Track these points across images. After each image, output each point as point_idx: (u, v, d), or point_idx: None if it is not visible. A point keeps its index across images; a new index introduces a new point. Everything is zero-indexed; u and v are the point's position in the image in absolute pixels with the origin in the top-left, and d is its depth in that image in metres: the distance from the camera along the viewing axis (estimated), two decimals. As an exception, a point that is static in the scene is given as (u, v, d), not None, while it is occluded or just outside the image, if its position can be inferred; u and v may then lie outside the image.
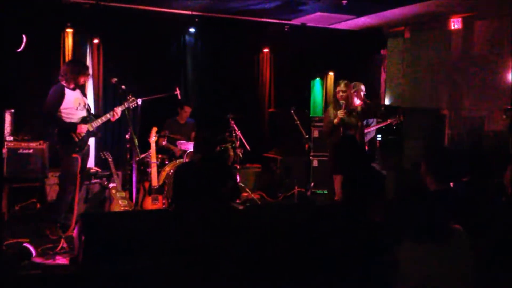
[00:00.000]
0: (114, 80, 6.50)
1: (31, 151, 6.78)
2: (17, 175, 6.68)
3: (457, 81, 9.08)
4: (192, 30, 9.07)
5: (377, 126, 7.17)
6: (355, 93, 7.17)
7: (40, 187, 7.01)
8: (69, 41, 8.06)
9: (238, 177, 7.71)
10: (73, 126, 6.09)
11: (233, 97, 9.40)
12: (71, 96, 6.15)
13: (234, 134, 7.99)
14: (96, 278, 3.98)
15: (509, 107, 7.63)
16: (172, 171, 7.12)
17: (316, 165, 8.58)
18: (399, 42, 10.15)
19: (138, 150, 6.49)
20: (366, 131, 7.05)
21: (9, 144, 6.68)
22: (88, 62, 8.36)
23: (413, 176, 6.99)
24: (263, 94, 9.91)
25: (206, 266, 3.13)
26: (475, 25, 8.72)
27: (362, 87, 7.31)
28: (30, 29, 7.17)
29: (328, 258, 3.15)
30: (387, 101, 10.31)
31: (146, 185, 6.78)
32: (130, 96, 6.42)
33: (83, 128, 6.13)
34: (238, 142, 8.01)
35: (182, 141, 7.59)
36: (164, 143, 7.61)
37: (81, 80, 6.28)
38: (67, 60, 7.88)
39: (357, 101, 7.26)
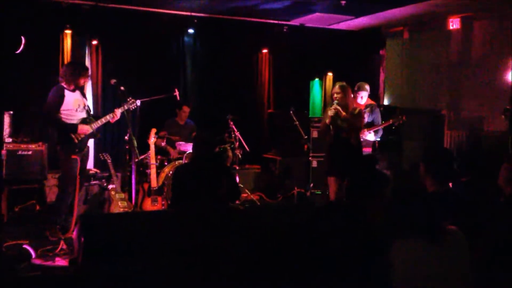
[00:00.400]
0: (113, 81, 6.49)
1: (30, 152, 6.78)
2: (16, 176, 6.68)
3: (456, 81, 9.08)
4: (191, 31, 9.06)
5: (379, 127, 7.16)
6: (358, 94, 7.16)
7: (39, 189, 7.01)
8: (68, 42, 8.06)
9: (237, 178, 7.71)
10: (74, 127, 6.09)
11: (232, 98, 9.40)
12: (71, 97, 6.15)
13: (233, 135, 8.00)
14: (96, 279, 3.98)
15: (508, 107, 7.63)
16: (171, 172, 7.12)
17: (315, 165, 8.58)
18: (398, 43, 10.16)
19: (137, 151, 6.48)
20: (371, 131, 7.02)
21: (8, 145, 6.69)
22: (87, 63, 8.36)
23: (412, 177, 7.00)
24: (262, 95, 9.92)
25: (206, 267, 3.13)
26: (473, 25, 8.72)
27: (367, 86, 7.29)
28: (29, 30, 7.17)
29: (328, 259, 3.15)
30: (386, 102, 10.31)
31: (146, 186, 6.78)
32: (130, 98, 6.43)
33: (84, 129, 6.14)
34: (237, 143, 8.01)
35: (181, 142, 7.60)
36: (163, 144, 7.61)
37: (81, 81, 6.29)
38: (66, 61, 7.88)
39: (362, 102, 7.24)
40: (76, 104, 6.18)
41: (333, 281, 3.10)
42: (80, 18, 7.96)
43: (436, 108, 9.27)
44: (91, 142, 8.23)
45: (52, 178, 7.14)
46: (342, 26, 9.76)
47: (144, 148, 7.01)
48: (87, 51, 8.39)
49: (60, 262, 5.08)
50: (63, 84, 6.15)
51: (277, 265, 3.46)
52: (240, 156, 8.06)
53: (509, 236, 3.18)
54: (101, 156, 7.08)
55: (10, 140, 6.78)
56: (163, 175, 7.16)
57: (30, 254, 5.20)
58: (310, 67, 10.19)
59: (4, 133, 6.79)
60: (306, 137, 8.22)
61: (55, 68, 7.76)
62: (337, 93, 6.07)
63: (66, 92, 6.13)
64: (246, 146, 8.14)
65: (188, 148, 7.34)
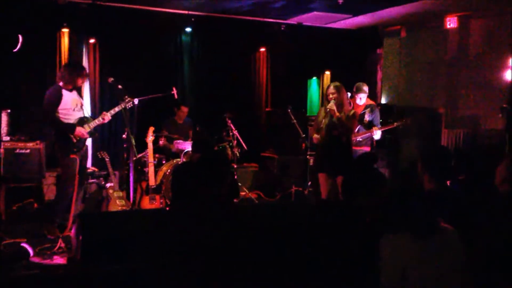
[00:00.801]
0: (111, 79, 6.49)
1: (28, 151, 6.77)
2: (14, 175, 6.68)
3: (453, 80, 9.10)
4: (188, 29, 9.07)
5: (383, 129, 7.18)
6: (357, 96, 7.17)
7: (37, 187, 7.01)
8: (65, 41, 8.05)
9: (235, 177, 7.72)
10: (72, 127, 6.08)
11: (230, 97, 9.40)
12: (68, 97, 6.14)
13: (231, 134, 8.00)
14: (94, 278, 3.98)
15: (505, 105, 7.65)
16: (169, 170, 7.13)
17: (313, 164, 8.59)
18: (395, 41, 10.16)
19: (135, 149, 6.49)
20: (377, 131, 7.03)
21: (6, 144, 6.68)
22: (85, 62, 8.36)
23: (409, 175, 7.02)
24: (259, 94, 9.92)
25: (204, 265, 3.14)
26: (470, 24, 8.74)
27: (365, 88, 7.29)
28: (26, 29, 7.19)
29: (325, 257, 3.16)
30: (383, 100, 10.32)
31: (144, 184, 6.79)
32: (126, 97, 6.41)
33: (82, 132, 6.11)
34: (235, 142, 8.02)
35: (179, 141, 7.60)
36: (161, 142, 7.62)
37: (79, 81, 6.30)
38: (63, 60, 7.88)
39: (361, 102, 7.24)
40: (73, 104, 6.18)
41: (331, 279, 3.11)
42: (77, 17, 7.95)
43: (434, 106, 9.29)
44: (89, 141, 8.25)
45: (50, 176, 7.13)
46: (340, 25, 9.77)
47: (142, 146, 7.01)
48: (84, 50, 8.38)
49: (58, 260, 5.09)
50: (61, 84, 6.14)
51: (275, 263, 3.47)
52: (238, 155, 8.07)
53: (506, 234, 3.19)
54: (99, 155, 7.08)
55: (8, 138, 6.78)
56: (161, 173, 7.16)
57: (28, 253, 5.20)
58: (308, 66, 10.20)
59: (2, 132, 6.80)
60: (303, 135, 8.23)
61: (53, 67, 7.78)
62: (332, 93, 6.08)
63: (64, 92, 6.12)
64: (244, 145, 8.15)
65: (186, 146, 7.35)
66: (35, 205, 6.86)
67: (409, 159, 8.43)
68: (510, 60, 8.09)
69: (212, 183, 3.38)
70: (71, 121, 6.12)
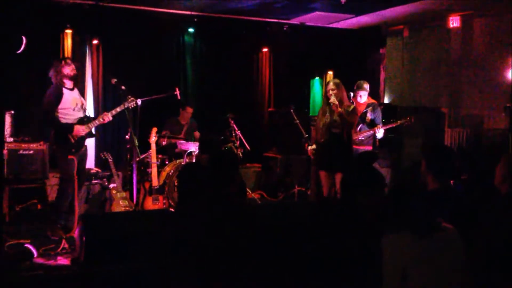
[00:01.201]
0: (114, 80, 6.49)
1: (31, 152, 6.78)
2: (17, 176, 6.69)
3: (456, 79, 9.09)
4: (191, 30, 9.08)
5: (386, 127, 7.17)
6: (357, 94, 7.16)
7: (41, 188, 7.01)
8: (68, 42, 8.07)
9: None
10: (70, 127, 6.06)
11: (233, 97, 9.41)
12: (69, 96, 6.12)
13: (233, 134, 8.00)
14: (98, 278, 4.00)
15: (508, 105, 7.63)
16: (172, 171, 7.14)
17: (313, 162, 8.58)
18: (398, 41, 10.16)
19: (138, 150, 6.49)
20: (380, 129, 7.02)
21: (10, 145, 6.69)
22: (88, 62, 8.39)
23: (412, 174, 7.01)
24: (262, 94, 9.93)
25: (207, 265, 3.14)
26: (474, 23, 8.72)
27: (366, 85, 7.28)
28: (30, 30, 7.18)
29: (327, 257, 3.16)
30: (386, 100, 10.31)
31: (147, 185, 6.79)
32: (129, 96, 6.41)
33: (80, 130, 6.10)
34: (238, 142, 8.02)
35: (182, 142, 7.60)
36: (164, 143, 7.62)
37: (66, 71, 6.13)
38: (66, 61, 7.89)
39: (362, 100, 7.23)
40: (74, 103, 6.16)
41: (332, 279, 3.11)
42: (80, 18, 7.96)
43: (437, 106, 9.27)
44: (91, 142, 8.26)
45: (53, 177, 7.13)
46: (342, 24, 9.76)
47: (145, 147, 7.01)
48: (87, 51, 8.40)
49: (62, 261, 5.09)
50: (58, 83, 6.10)
51: (278, 263, 3.48)
52: (240, 155, 8.07)
53: (507, 234, 3.18)
54: (102, 156, 7.09)
55: (12, 139, 6.78)
56: (164, 174, 7.17)
57: (32, 253, 5.20)
58: (311, 66, 10.21)
59: (6, 133, 6.79)
60: (306, 135, 8.20)
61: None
62: (332, 89, 6.11)
63: (64, 91, 6.10)
64: (246, 145, 8.15)
65: (189, 147, 7.35)
66: (39, 206, 6.86)
67: (411, 158, 8.41)
68: (513, 60, 8.08)
69: (222, 183, 3.38)
70: (71, 121, 6.10)
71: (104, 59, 8.43)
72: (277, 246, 3.55)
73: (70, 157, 6.02)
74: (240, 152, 8.02)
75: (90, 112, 8.07)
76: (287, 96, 9.53)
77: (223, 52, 9.37)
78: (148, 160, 7.12)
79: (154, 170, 6.78)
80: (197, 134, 8.24)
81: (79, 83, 6.54)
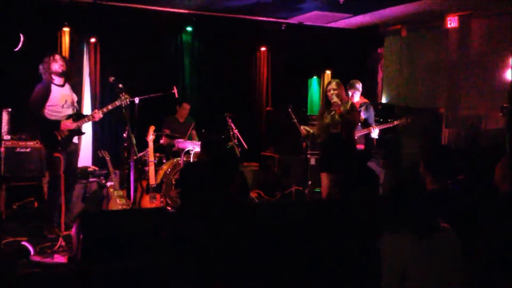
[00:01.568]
0: (112, 79, 6.46)
1: (28, 150, 6.77)
2: (14, 174, 6.68)
3: (454, 79, 9.10)
4: (189, 28, 9.07)
5: (383, 127, 7.17)
6: (349, 93, 7.16)
7: (38, 186, 6.99)
8: (66, 40, 8.05)
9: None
10: (56, 124, 5.95)
11: (230, 96, 9.41)
12: (57, 93, 6.03)
13: (231, 133, 8.00)
14: (95, 276, 3.99)
15: (506, 105, 7.64)
16: (169, 169, 7.14)
17: (314, 163, 8.57)
18: (396, 41, 10.17)
19: (135, 148, 6.48)
20: (375, 129, 7.02)
21: (7, 143, 6.68)
22: (85, 61, 8.37)
23: (410, 174, 7.01)
24: (260, 93, 9.92)
25: (204, 264, 3.14)
26: (471, 24, 8.73)
27: (358, 85, 7.29)
28: (27, 28, 7.17)
29: (326, 256, 3.17)
30: (384, 100, 10.32)
31: (144, 183, 6.79)
32: (123, 94, 6.33)
33: (68, 124, 5.99)
34: (236, 141, 8.02)
35: (179, 140, 7.60)
36: (161, 141, 7.62)
37: (54, 67, 6.03)
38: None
39: (354, 100, 7.24)
40: (63, 100, 6.05)
41: (331, 278, 3.11)
42: (78, 16, 7.96)
43: (434, 106, 9.28)
44: (88, 140, 8.27)
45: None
46: (341, 24, 9.77)
47: (143, 145, 7.01)
48: (85, 49, 8.39)
49: (59, 259, 5.07)
50: (47, 79, 6.01)
51: (275, 262, 3.47)
52: (238, 154, 8.06)
53: (506, 234, 3.19)
54: (99, 154, 7.07)
55: (9, 137, 6.77)
56: (161, 172, 7.16)
57: (28, 251, 5.19)
58: (309, 65, 10.21)
59: (3, 131, 6.79)
60: (305, 133, 8.22)
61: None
62: (334, 89, 6.06)
63: (53, 87, 6.01)
64: (244, 144, 8.14)
65: (187, 145, 7.34)
66: (36, 203, 6.86)
67: (410, 158, 8.42)
68: (510, 60, 8.08)
69: (222, 183, 3.38)
70: (59, 118, 6.00)
71: (101, 58, 8.41)
72: (275, 245, 3.55)
73: (56, 154, 5.90)
74: (237, 151, 8.02)
75: (88, 110, 8.09)
76: (285, 95, 9.53)
77: (221, 51, 9.37)
78: (145, 158, 7.12)
79: (151, 169, 6.78)
80: (194, 133, 8.23)
81: (72, 79, 6.41)
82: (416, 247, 2.78)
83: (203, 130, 8.05)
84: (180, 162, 7.19)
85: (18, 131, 6.97)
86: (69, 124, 6.01)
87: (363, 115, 7.12)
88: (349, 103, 6.14)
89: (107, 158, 6.91)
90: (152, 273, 3.70)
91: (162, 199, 6.74)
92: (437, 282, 2.77)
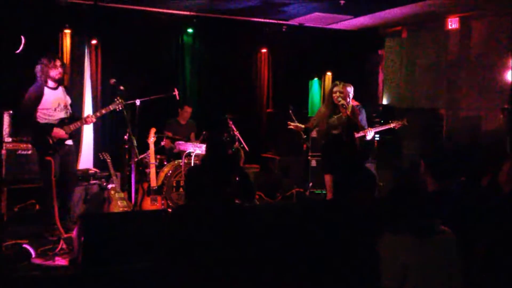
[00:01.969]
0: (113, 81, 6.46)
1: (29, 152, 6.76)
2: (16, 176, 6.67)
3: (454, 80, 9.10)
4: (190, 30, 9.08)
5: (380, 129, 7.16)
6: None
7: (39, 188, 6.99)
8: (67, 42, 8.07)
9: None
10: (49, 128, 5.92)
11: (231, 97, 9.41)
12: (50, 96, 6.00)
13: (232, 135, 8.00)
14: (96, 279, 4.00)
15: (506, 106, 7.65)
16: (170, 171, 7.15)
17: (314, 165, 8.59)
18: (396, 42, 10.17)
19: (136, 151, 6.48)
20: (372, 131, 7.00)
21: (8, 145, 6.68)
22: (86, 63, 8.38)
23: (410, 176, 7.02)
24: (261, 94, 9.93)
25: (205, 266, 3.14)
26: (472, 25, 8.74)
27: (349, 88, 7.29)
28: (28, 30, 7.18)
29: (326, 257, 3.17)
30: (385, 101, 10.33)
31: (145, 185, 6.78)
32: (117, 98, 6.30)
33: (60, 134, 5.96)
34: (237, 143, 8.01)
35: (180, 142, 7.60)
36: (163, 143, 7.62)
37: (52, 73, 6.01)
38: (65, 61, 7.88)
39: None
40: (55, 103, 6.02)
41: (331, 279, 3.12)
42: (79, 18, 7.97)
43: (435, 107, 9.28)
44: (89, 142, 8.28)
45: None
46: (341, 25, 9.77)
47: (144, 147, 7.01)
48: (86, 51, 8.39)
49: (60, 261, 5.07)
50: (41, 82, 5.98)
51: (276, 264, 3.48)
52: (243, 156, 8.06)
53: (506, 234, 3.19)
54: (100, 156, 7.08)
55: (10, 139, 6.77)
56: (162, 174, 7.17)
57: (30, 254, 5.19)
58: (309, 67, 10.21)
59: (4, 133, 6.79)
60: (305, 136, 8.21)
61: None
62: (341, 92, 6.06)
63: (46, 90, 5.97)
64: (245, 146, 8.14)
65: (188, 147, 7.35)
66: (37, 206, 6.85)
67: (410, 160, 8.42)
68: (511, 61, 8.08)
69: (216, 184, 3.39)
70: (51, 122, 5.97)
71: (103, 59, 8.43)
72: (275, 247, 3.56)
73: (47, 158, 5.87)
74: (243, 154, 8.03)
75: (89, 112, 8.09)
76: (285, 97, 9.53)
77: (222, 52, 9.37)
78: (146, 160, 7.11)
79: (152, 171, 6.78)
80: (192, 135, 8.24)
81: (64, 82, 6.39)
82: (416, 249, 2.79)
83: (203, 132, 8.04)
84: (181, 164, 7.19)
85: (19, 133, 6.98)
86: (62, 134, 5.98)
87: None
88: (350, 106, 6.17)
89: (108, 160, 6.92)
90: (152, 275, 3.70)
91: (163, 201, 6.74)
92: (436, 284, 2.78)
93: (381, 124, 7.38)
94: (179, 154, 7.49)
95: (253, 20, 9.33)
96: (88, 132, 8.39)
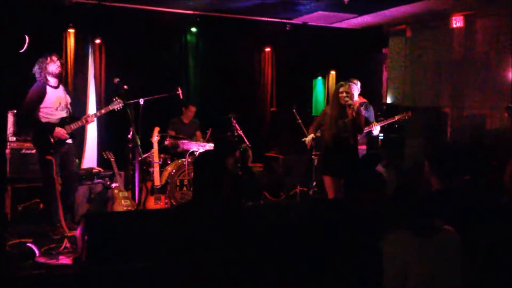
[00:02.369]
0: (116, 80, 6.48)
1: (33, 151, 6.77)
2: (20, 175, 6.68)
3: (459, 79, 9.07)
4: (193, 29, 9.09)
5: (385, 123, 7.14)
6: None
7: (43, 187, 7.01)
8: (71, 42, 8.09)
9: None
10: (51, 127, 5.94)
11: (235, 97, 9.41)
12: (52, 95, 6.02)
13: (236, 134, 8.00)
14: (99, 277, 4.00)
15: (510, 104, 7.62)
16: (174, 170, 7.16)
17: (318, 164, 8.57)
18: (400, 41, 10.14)
19: (140, 150, 6.49)
20: (377, 126, 6.97)
21: (12, 144, 6.70)
22: (90, 62, 8.40)
23: (413, 175, 6.99)
24: (264, 93, 9.93)
25: (209, 265, 3.14)
26: (476, 23, 8.70)
27: (354, 86, 7.26)
28: (32, 29, 7.18)
29: (327, 256, 3.16)
30: (389, 100, 10.30)
31: (149, 184, 6.80)
32: (116, 98, 6.30)
33: (61, 133, 5.98)
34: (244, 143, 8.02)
35: (184, 141, 7.61)
36: (166, 142, 7.63)
37: (51, 68, 6.02)
38: (69, 60, 7.95)
39: (355, 99, 7.22)
40: (57, 102, 6.05)
41: (333, 278, 3.11)
42: (83, 17, 7.98)
43: (439, 106, 9.26)
44: (93, 141, 8.29)
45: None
46: (345, 24, 9.76)
47: (147, 146, 7.02)
48: (90, 50, 8.41)
49: (64, 260, 5.09)
50: (42, 81, 6.00)
51: (279, 264, 3.47)
52: (251, 156, 8.08)
53: (508, 235, 3.18)
54: (104, 155, 7.09)
55: (14, 139, 6.79)
56: (166, 173, 7.18)
57: (34, 252, 5.21)
58: (313, 66, 10.19)
59: (8, 132, 6.80)
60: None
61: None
62: (347, 92, 6.00)
63: (48, 89, 5.99)
64: (248, 145, 8.15)
65: (191, 146, 7.36)
66: (41, 205, 6.86)
67: (414, 158, 8.40)
68: (515, 59, 8.06)
69: (208, 183, 3.39)
70: (53, 121, 6.00)
71: (106, 59, 8.44)
72: (278, 247, 3.55)
73: (48, 157, 5.89)
74: (250, 153, 8.04)
75: (93, 112, 8.10)
76: (289, 96, 9.52)
77: (226, 51, 9.38)
78: (150, 159, 7.13)
79: (156, 170, 6.79)
80: (198, 134, 8.25)
81: (63, 80, 6.37)
82: (417, 248, 2.78)
83: (207, 131, 8.05)
84: (184, 163, 7.20)
85: (23, 133, 6.99)
86: (63, 133, 5.99)
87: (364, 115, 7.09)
88: (356, 106, 6.11)
89: (112, 159, 6.93)
90: (156, 275, 3.70)
91: (166, 200, 6.75)
92: (438, 283, 2.77)
93: (386, 119, 7.36)
94: (182, 153, 7.49)
95: (256, 19, 9.32)
96: (92, 131, 8.40)
